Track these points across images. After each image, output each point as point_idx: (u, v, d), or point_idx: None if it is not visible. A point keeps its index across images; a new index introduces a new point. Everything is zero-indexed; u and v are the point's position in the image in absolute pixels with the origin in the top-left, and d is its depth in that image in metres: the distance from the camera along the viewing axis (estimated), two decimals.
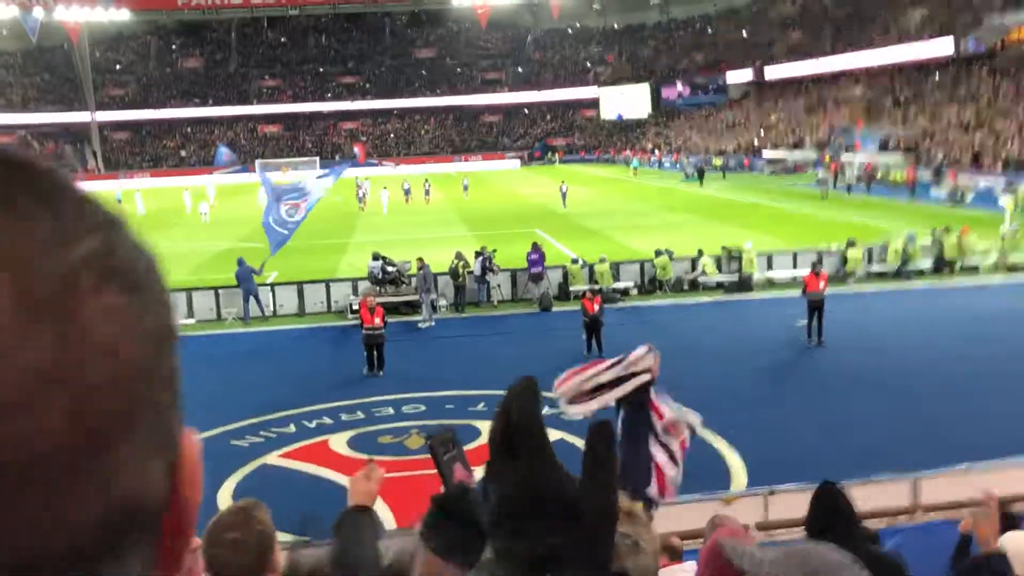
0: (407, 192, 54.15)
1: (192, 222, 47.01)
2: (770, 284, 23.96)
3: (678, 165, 71.55)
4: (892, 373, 15.80)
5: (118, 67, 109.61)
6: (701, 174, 60.03)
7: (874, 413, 13.65)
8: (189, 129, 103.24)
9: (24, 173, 0.57)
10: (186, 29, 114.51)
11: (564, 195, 48.39)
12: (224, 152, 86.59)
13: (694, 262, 24.15)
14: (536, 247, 23.39)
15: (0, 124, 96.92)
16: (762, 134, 73.28)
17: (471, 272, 23.11)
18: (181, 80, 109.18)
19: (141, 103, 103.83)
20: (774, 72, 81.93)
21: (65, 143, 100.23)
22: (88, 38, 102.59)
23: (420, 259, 21.89)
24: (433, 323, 21.15)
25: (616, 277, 23.66)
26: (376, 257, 23.25)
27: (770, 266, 24.46)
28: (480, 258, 23.06)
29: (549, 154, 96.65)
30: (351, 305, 21.72)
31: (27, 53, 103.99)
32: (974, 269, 24.59)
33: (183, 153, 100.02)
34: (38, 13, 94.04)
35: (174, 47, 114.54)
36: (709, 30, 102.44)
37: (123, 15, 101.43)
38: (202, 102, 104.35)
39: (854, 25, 75.83)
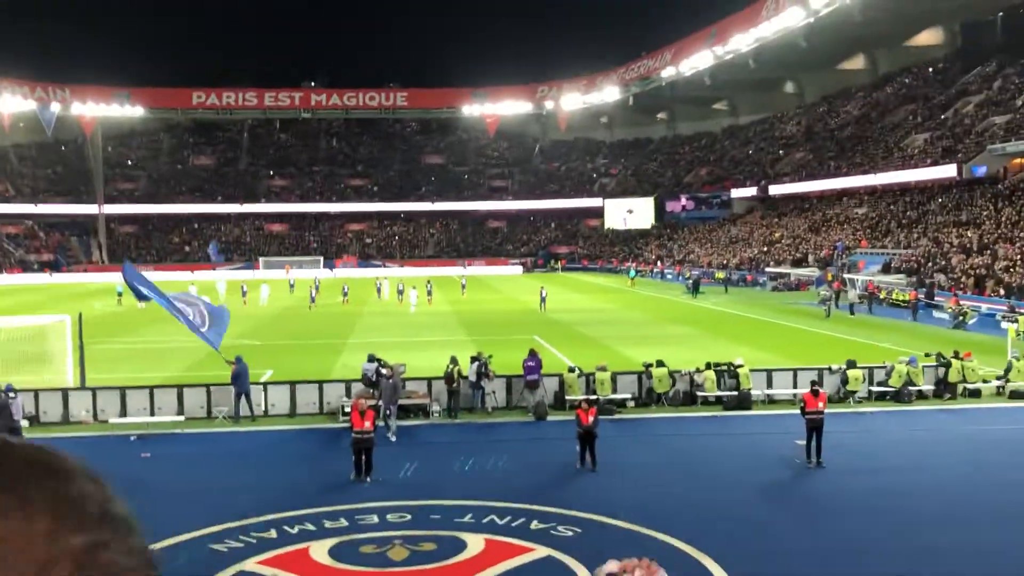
0: (400, 292, 55.26)
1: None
2: (770, 401, 23.62)
3: (680, 277, 71.82)
4: (891, 496, 15.36)
5: (129, 162, 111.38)
6: (696, 286, 60.26)
7: (872, 539, 13.20)
8: (196, 225, 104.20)
9: (31, 467, 0.74)
10: (199, 127, 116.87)
11: (543, 299, 51.12)
12: (211, 247, 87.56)
13: (692, 375, 23.86)
14: (533, 354, 23.12)
15: (10, 214, 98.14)
16: (765, 249, 73.76)
17: (465, 377, 22.82)
18: (191, 177, 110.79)
19: (150, 198, 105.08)
20: (778, 189, 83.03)
21: (72, 235, 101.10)
22: (102, 133, 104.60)
23: (388, 367, 21.47)
24: (394, 438, 20.07)
25: (614, 388, 23.34)
26: (371, 359, 22.99)
27: (770, 383, 24.13)
28: (476, 363, 22.79)
29: (552, 262, 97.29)
30: (343, 407, 21.40)
31: (41, 146, 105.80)
32: (976, 393, 24.27)
33: (187, 248, 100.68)
34: (55, 107, 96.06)
35: (186, 144, 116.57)
36: (714, 146, 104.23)
37: (137, 112, 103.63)
38: (210, 199, 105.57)
39: (858, 146, 77.17)
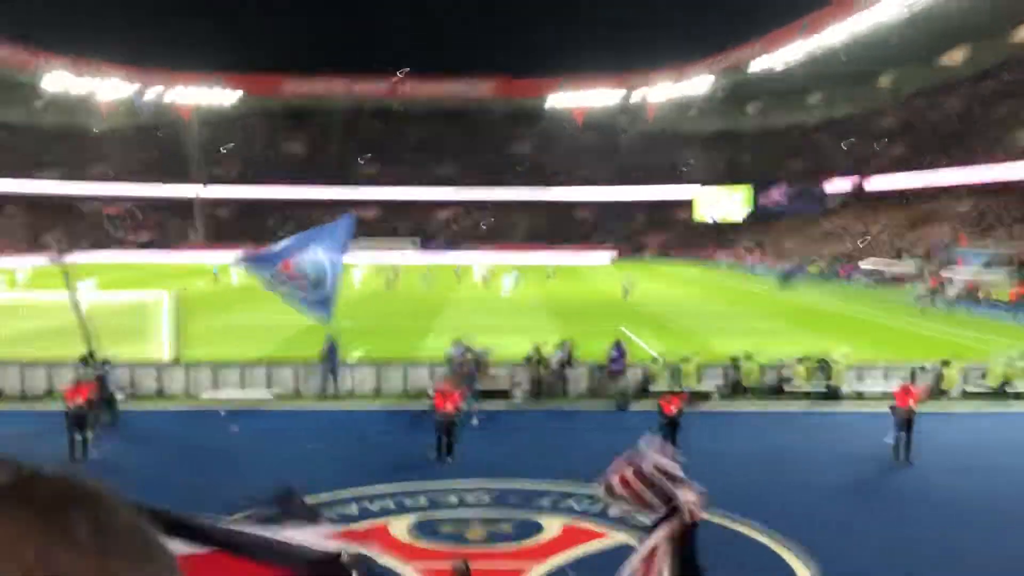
0: (485, 279, 55.92)
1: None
2: (859, 397, 23.05)
3: (772, 270, 70.59)
4: (982, 498, 14.87)
5: (224, 147, 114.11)
6: (787, 278, 59.09)
7: (960, 542, 12.78)
8: (290, 210, 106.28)
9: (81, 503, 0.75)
10: (292, 113, 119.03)
11: (627, 289, 50.91)
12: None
13: (781, 368, 23.42)
14: (618, 344, 23.04)
15: (110, 195, 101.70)
16: (860, 244, 71.94)
17: (549, 364, 22.83)
18: (284, 162, 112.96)
19: (244, 182, 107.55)
20: (875, 183, 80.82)
21: (170, 216, 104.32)
22: (198, 118, 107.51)
23: (472, 351, 22.20)
24: (475, 422, 19.79)
25: (699, 379, 23.08)
26: (457, 342, 23.18)
27: (860, 378, 23.57)
28: (560, 350, 22.79)
29: (641, 251, 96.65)
30: (428, 389, 21.61)
31: (140, 129, 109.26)
32: None
33: (280, 233, 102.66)
34: (153, 93, 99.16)
35: (279, 130, 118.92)
36: (808, 139, 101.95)
37: (232, 98, 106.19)
38: (303, 184, 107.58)
39: (959, 141, 74.60)
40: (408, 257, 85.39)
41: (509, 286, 52.69)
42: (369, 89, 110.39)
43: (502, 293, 51.17)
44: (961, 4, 64.08)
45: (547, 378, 22.88)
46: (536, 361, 22.42)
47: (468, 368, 21.06)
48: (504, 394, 22.51)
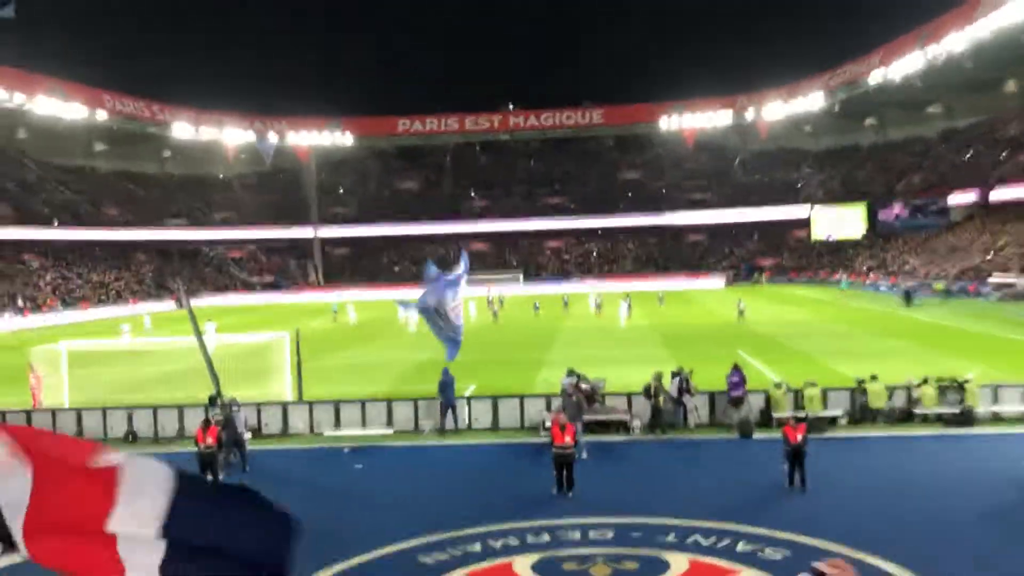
0: (598, 307, 56.12)
1: (400, 332, 48.68)
2: (996, 419, 21.94)
3: (895, 288, 68.29)
4: None
5: (341, 189, 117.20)
6: (908, 297, 57.34)
7: None
8: (403, 246, 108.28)
9: None
10: (404, 153, 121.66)
11: (742, 312, 51.52)
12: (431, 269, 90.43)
13: (910, 391, 22.51)
14: (737, 369, 22.52)
15: (235, 239, 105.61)
16: (988, 258, 68.96)
17: (668, 393, 22.46)
18: (398, 200, 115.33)
19: (360, 221, 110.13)
20: (1001, 194, 77.45)
21: (290, 257, 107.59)
22: (315, 161, 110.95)
23: (587, 382, 22.48)
24: (584, 455, 19.96)
25: (824, 404, 22.35)
26: (570, 373, 23.06)
27: (996, 399, 22.44)
28: (677, 378, 22.40)
29: (756, 275, 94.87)
30: (544, 422, 21.53)
31: (261, 175, 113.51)
32: None
33: (396, 268, 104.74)
34: (273, 138, 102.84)
35: (392, 169, 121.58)
36: (929, 151, 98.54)
37: (347, 140, 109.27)
38: (416, 220, 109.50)
39: None
40: (515, 288, 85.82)
41: (625, 314, 52.40)
42: (478, 125, 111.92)
43: (620, 323, 50.90)
44: None
45: (665, 407, 22.52)
46: (654, 391, 22.05)
47: (576, 398, 20.90)
48: (622, 425, 22.23)
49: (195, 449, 17.75)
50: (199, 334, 23.48)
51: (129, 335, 47.66)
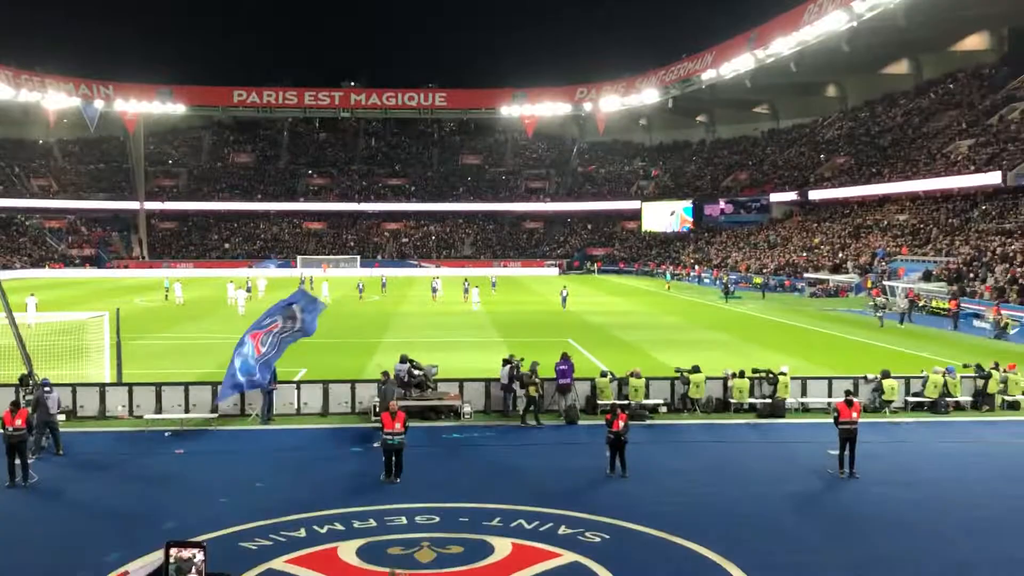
0: (435, 291, 56.48)
1: (230, 313, 47.42)
2: (804, 409, 23.36)
3: (718, 282, 71.40)
4: (926, 509, 15.14)
5: (170, 159, 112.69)
6: (727, 291, 60.09)
7: (905, 553, 12.98)
8: (236, 223, 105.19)
9: None
10: (239, 126, 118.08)
11: (564, 299, 52.61)
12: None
13: (726, 382, 23.65)
14: (565, 357, 23.05)
15: (54, 208, 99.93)
16: (804, 255, 73.06)
17: (497, 380, 22.81)
18: (231, 174, 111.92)
19: (191, 195, 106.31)
20: (819, 194, 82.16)
21: (113, 230, 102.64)
22: (144, 130, 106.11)
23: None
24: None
25: (647, 394, 23.19)
26: (404, 360, 23.07)
27: (804, 391, 23.88)
28: (508, 366, 22.74)
29: (588, 264, 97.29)
30: (375, 407, 21.47)
31: (85, 142, 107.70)
32: (1016, 406, 23.84)
33: (227, 246, 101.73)
34: (99, 104, 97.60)
35: (226, 142, 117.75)
36: (755, 150, 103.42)
37: (179, 109, 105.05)
38: (250, 197, 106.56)
39: (901, 152, 76.16)
40: (352, 271, 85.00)
41: (478, 299, 53.20)
42: (318, 100, 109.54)
43: (473, 307, 51.38)
44: (907, 16, 65.91)
45: (495, 394, 22.87)
46: (528, 380, 22.03)
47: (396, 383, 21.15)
48: (453, 411, 22.43)
49: (2, 432, 16.79)
50: (9, 310, 22.24)
51: None
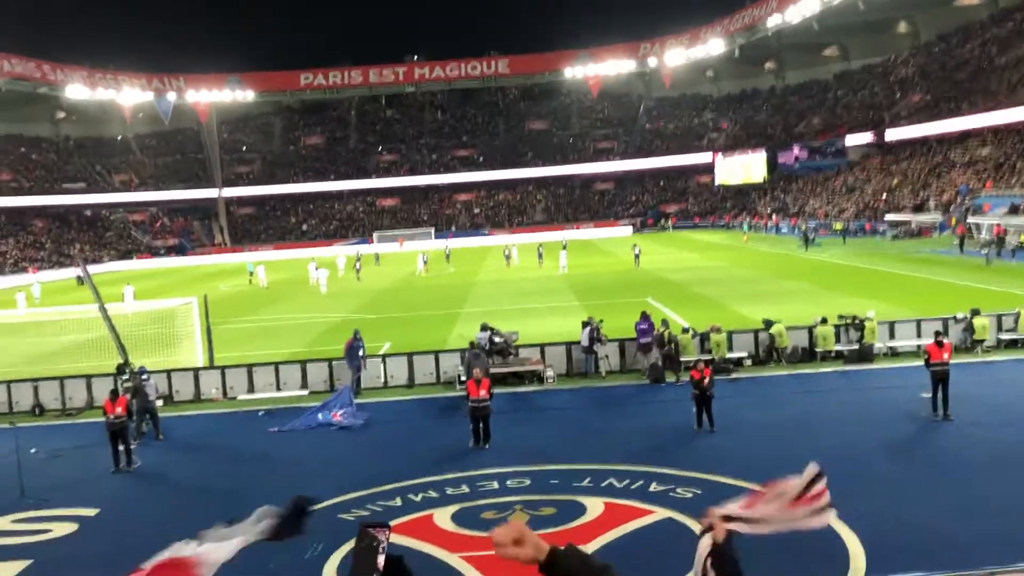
0: (508, 258, 56.69)
1: (312, 292, 48.28)
2: (893, 354, 22.94)
3: (796, 231, 70.17)
4: (1022, 449, 14.82)
5: (244, 146, 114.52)
6: (807, 240, 58.98)
7: (1006, 494, 12.72)
8: (311, 204, 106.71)
9: None
10: (308, 108, 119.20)
11: (637, 256, 52.83)
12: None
13: (811, 330, 23.34)
14: (645, 316, 22.98)
15: (136, 202, 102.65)
16: (884, 197, 71.29)
17: (577, 343, 22.87)
18: (303, 157, 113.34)
19: (265, 180, 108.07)
20: (895, 134, 79.89)
21: (194, 219, 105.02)
22: (216, 119, 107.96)
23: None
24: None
25: (730, 347, 23.02)
26: (484, 328, 23.26)
27: (892, 335, 23.44)
28: (587, 328, 22.77)
29: (662, 220, 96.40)
30: (459, 376, 21.74)
31: (161, 135, 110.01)
32: None
33: (304, 227, 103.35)
34: (171, 96, 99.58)
35: (296, 126, 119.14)
36: (826, 94, 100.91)
37: (248, 96, 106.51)
38: (323, 177, 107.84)
39: (979, 85, 73.53)
40: (429, 244, 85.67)
41: (564, 263, 52.65)
42: (382, 77, 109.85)
43: (560, 271, 51.36)
44: None
45: (577, 357, 22.95)
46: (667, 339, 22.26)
47: (470, 353, 21.20)
48: (536, 376, 22.59)
49: (104, 420, 17.46)
50: (101, 302, 23.03)
51: (25, 305, 46.22)
